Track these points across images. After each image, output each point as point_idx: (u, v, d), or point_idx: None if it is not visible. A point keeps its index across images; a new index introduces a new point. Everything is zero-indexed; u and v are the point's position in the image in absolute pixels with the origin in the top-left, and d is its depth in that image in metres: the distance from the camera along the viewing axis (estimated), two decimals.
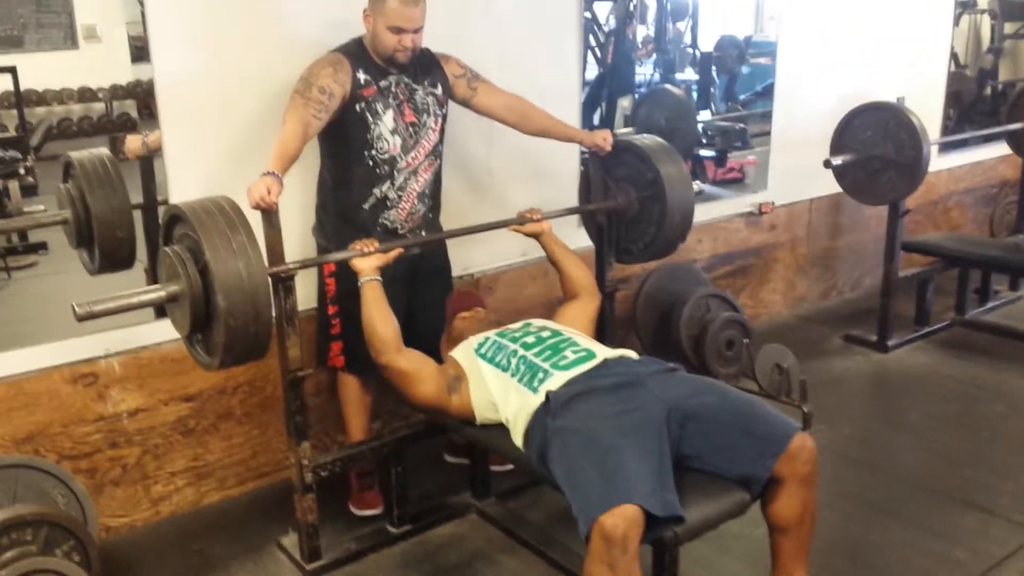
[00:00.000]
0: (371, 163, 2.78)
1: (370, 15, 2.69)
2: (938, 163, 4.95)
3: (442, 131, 2.92)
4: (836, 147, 4.10)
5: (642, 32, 4.48)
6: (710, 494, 2.15)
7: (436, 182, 2.96)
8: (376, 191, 2.81)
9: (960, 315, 4.55)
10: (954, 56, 5.25)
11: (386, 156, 2.79)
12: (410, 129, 2.81)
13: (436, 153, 2.91)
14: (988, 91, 5.79)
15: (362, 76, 2.72)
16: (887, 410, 3.73)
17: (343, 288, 2.79)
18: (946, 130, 5.25)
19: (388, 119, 2.76)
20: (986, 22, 5.70)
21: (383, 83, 2.76)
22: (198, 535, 2.91)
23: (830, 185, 4.26)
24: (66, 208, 2.70)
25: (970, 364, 4.10)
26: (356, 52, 2.74)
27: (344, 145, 2.78)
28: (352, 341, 2.79)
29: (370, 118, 2.74)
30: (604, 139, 3.03)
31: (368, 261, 2.54)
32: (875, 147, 3.99)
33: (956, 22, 5.19)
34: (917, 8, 4.90)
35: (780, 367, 3.39)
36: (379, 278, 2.55)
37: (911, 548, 2.73)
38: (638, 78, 4.50)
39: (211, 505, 3.07)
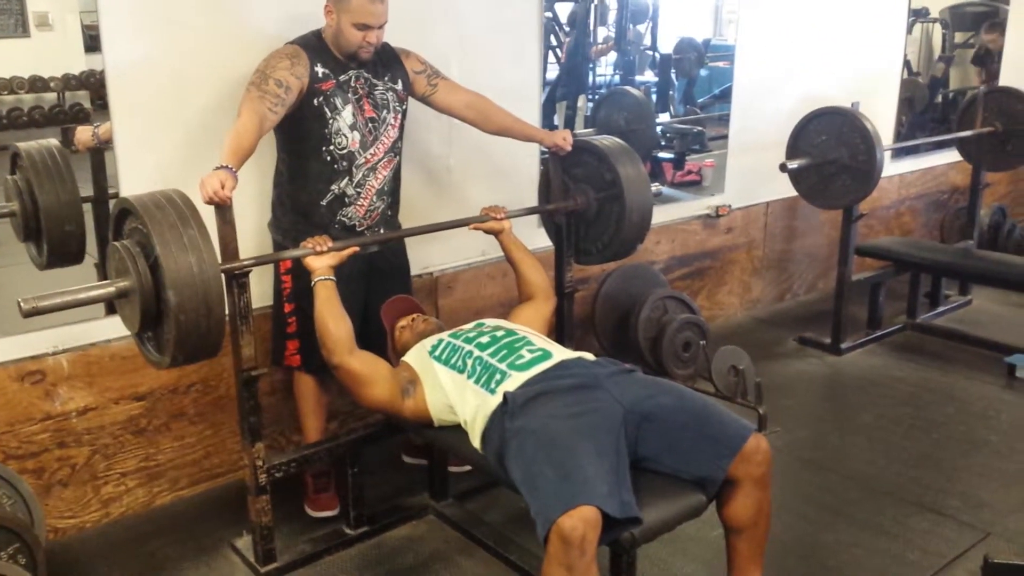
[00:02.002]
0: (329, 158, 2.75)
1: (333, 10, 2.65)
2: (891, 168, 5.04)
3: (402, 127, 2.89)
4: (792, 151, 4.13)
5: (603, 33, 4.49)
6: (667, 496, 2.15)
7: (395, 179, 2.93)
8: (334, 187, 2.78)
9: (911, 319, 4.63)
10: (907, 63, 5.34)
11: (344, 151, 2.75)
12: (369, 125, 2.78)
13: (395, 150, 2.88)
14: (939, 99, 5.91)
15: (320, 70, 2.68)
16: (840, 412, 3.78)
17: (300, 285, 2.75)
18: (899, 136, 5.34)
19: (347, 114, 2.73)
20: (937, 31, 5.80)
21: (343, 77, 2.73)
22: (149, 537, 2.85)
23: (786, 189, 4.30)
24: (13, 200, 2.64)
25: (921, 367, 4.17)
26: (314, 45, 2.71)
27: (301, 139, 2.74)
28: (309, 340, 2.75)
29: (328, 112, 2.71)
30: (564, 139, 3.02)
31: (321, 260, 2.50)
32: (830, 152, 4.03)
33: (909, 30, 5.27)
34: (872, 15, 4.98)
35: (736, 369, 3.44)
36: (332, 277, 2.52)
37: (864, 549, 2.76)
38: (598, 79, 4.51)
39: (163, 506, 3.01)
